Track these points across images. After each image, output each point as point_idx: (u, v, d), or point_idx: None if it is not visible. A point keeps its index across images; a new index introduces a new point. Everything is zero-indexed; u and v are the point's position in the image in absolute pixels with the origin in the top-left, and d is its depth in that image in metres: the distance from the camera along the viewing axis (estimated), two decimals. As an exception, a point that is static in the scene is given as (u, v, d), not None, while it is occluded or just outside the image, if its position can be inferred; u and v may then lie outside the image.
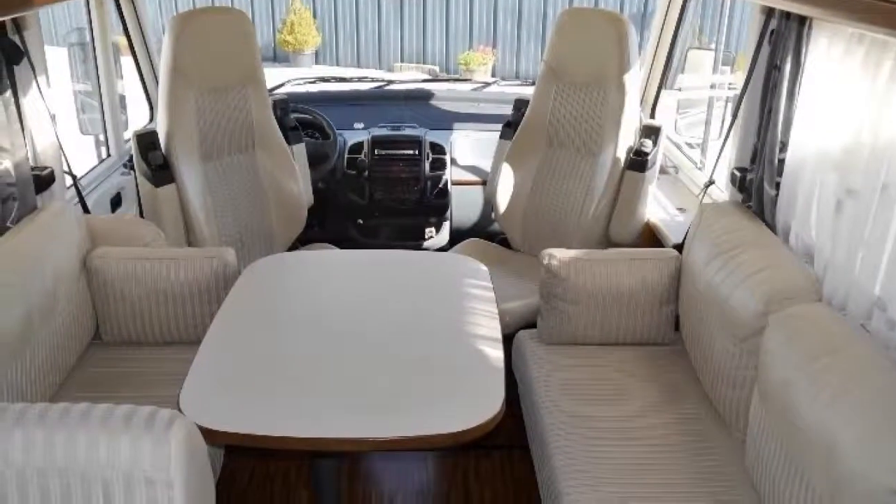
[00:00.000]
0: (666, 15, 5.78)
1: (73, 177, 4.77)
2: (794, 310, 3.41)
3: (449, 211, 6.40)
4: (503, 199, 5.74)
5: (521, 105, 5.87)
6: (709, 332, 3.95)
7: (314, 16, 22.41)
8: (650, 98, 6.08)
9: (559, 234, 5.54)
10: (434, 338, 3.73)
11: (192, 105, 5.20)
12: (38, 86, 4.25)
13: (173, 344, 4.45)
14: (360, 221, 6.41)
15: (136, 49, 5.81)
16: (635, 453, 3.68)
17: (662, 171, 5.70)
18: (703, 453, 3.68)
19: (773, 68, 4.03)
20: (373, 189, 6.26)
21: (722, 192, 4.81)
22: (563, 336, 4.51)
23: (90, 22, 5.40)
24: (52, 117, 4.42)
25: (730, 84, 6.26)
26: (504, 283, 5.11)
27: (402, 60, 22.55)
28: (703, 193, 4.92)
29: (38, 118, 4.28)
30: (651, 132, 5.30)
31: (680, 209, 5.44)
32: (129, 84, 5.95)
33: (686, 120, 6.20)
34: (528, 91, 6.09)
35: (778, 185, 4.01)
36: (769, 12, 4.11)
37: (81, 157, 5.39)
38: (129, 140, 5.58)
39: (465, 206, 6.47)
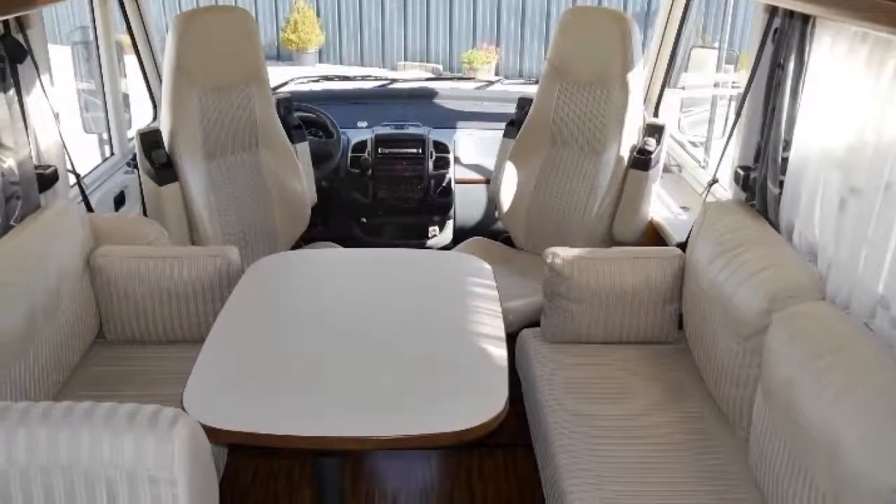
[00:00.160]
0: (669, 13, 5.78)
1: (77, 175, 4.77)
2: (798, 308, 3.41)
3: (452, 209, 6.41)
4: (507, 198, 5.74)
5: (524, 104, 5.87)
6: (712, 330, 3.95)
7: (318, 14, 22.40)
8: (654, 96, 6.08)
9: (563, 233, 5.54)
10: (437, 336, 3.73)
11: (196, 104, 5.20)
12: (42, 84, 4.25)
13: (177, 342, 4.45)
14: (364, 220, 6.41)
15: (140, 47, 5.82)
16: (639, 452, 3.68)
17: (666, 169, 5.70)
18: (707, 452, 3.68)
19: (777, 67, 4.03)
20: (376, 188, 6.26)
21: (725, 190, 4.81)
22: (567, 335, 4.51)
23: (93, 20, 5.41)
24: (56, 116, 4.42)
25: (733, 82, 6.28)
26: (507, 282, 5.11)
27: (405, 59, 22.55)
28: (706, 192, 4.92)
29: (42, 117, 4.28)
30: (654, 131, 5.30)
31: (683, 208, 5.43)
32: (133, 83, 5.95)
33: (689, 118, 6.20)
34: (531, 90, 6.08)
35: (781, 184, 4.01)
36: (773, 11, 4.11)
37: (85, 155, 5.40)
38: (132, 139, 5.58)
39: (468, 204, 6.47)
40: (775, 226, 4.09)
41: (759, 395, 3.46)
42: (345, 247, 5.67)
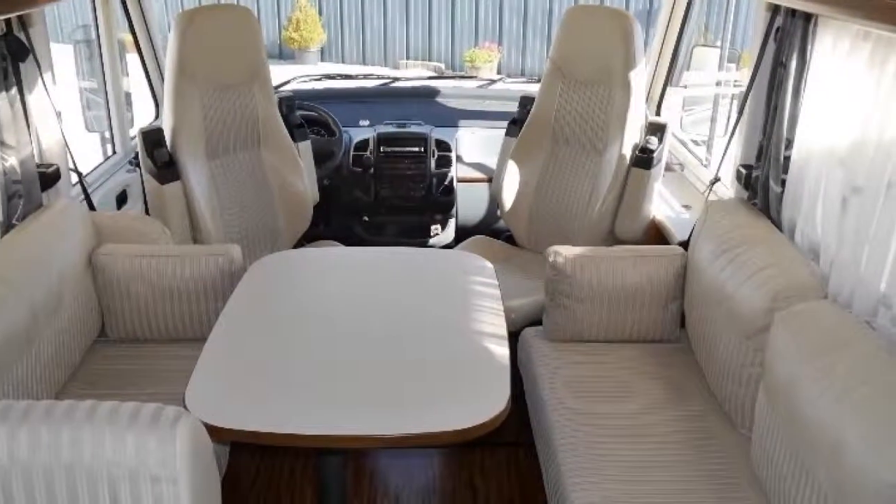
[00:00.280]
0: (671, 12, 5.78)
1: (79, 174, 4.77)
2: (800, 307, 3.41)
3: (454, 208, 6.40)
4: (509, 197, 5.74)
5: (526, 102, 5.87)
6: (714, 329, 3.95)
7: (320, 13, 22.41)
8: (656, 95, 6.08)
9: (565, 232, 5.55)
10: (440, 335, 3.73)
11: (198, 102, 5.20)
12: (44, 83, 4.25)
13: (179, 341, 4.45)
14: (366, 218, 6.41)
15: (142, 46, 5.82)
16: (641, 450, 3.68)
17: (668, 168, 5.70)
18: (709, 450, 3.68)
19: (779, 65, 4.03)
20: (378, 186, 6.25)
21: (727, 189, 4.81)
22: (569, 333, 4.51)
23: (96, 19, 5.41)
24: (58, 114, 4.42)
25: (735, 81, 6.28)
26: (509, 281, 5.11)
27: (407, 57, 22.55)
28: (708, 190, 4.92)
29: (44, 115, 4.29)
30: (657, 129, 5.30)
31: (685, 206, 5.43)
32: (135, 81, 5.96)
33: (692, 117, 6.20)
34: (533, 88, 6.08)
35: (783, 183, 4.01)
36: (775, 9, 4.11)
37: (87, 154, 5.40)
38: (134, 137, 5.58)
39: (470, 203, 6.47)
40: (777, 224, 4.09)
41: (760, 394, 3.46)
42: (347, 245, 5.68)
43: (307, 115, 6.24)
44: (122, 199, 5.44)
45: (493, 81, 7.78)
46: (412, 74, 12.60)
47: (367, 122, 6.65)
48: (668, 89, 6.04)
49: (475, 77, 11.59)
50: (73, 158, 4.63)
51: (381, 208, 6.34)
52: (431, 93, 7.15)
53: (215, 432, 2.95)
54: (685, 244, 4.56)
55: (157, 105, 6.07)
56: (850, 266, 3.40)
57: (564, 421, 3.87)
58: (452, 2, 21.76)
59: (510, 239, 5.98)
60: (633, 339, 4.52)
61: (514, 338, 4.34)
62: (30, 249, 3.85)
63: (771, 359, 3.34)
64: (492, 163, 6.18)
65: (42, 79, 4.23)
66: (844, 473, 2.71)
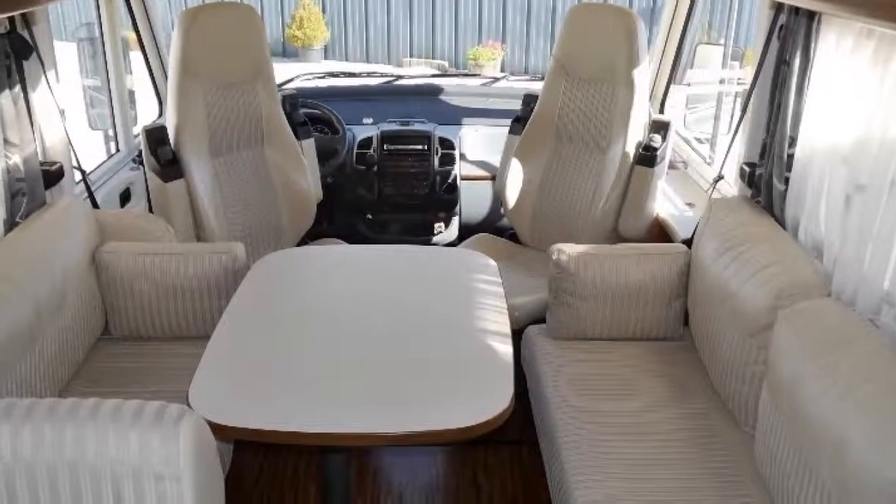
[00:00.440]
0: (675, 10, 5.78)
1: (83, 172, 4.77)
2: (804, 305, 3.41)
3: (458, 206, 6.40)
4: (512, 195, 5.75)
5: (530, 100, 5.87)
6: (718, 327, 3.95)
7: (323, 11, 22.42)
8: (659, 93, 6.08)
9: (568, 229, 5.54)
10: (443, 333, 3.73)
11: (202, 100, 5.21)
12: (48, 81, 4.26)
13: (182, 339, 4.46)
14: (369, 216, 6.41)
15: (146, 44, 5.82)
16: (644, 448, 3.68)
17: (671, 166, 5.69)
18: (712, 448, 3.68)
19: (783, 63, 4.03)
20: (382, 184, 6.25)
21: (731, 187, 4.81)
22: (572, 331, 4.51)
23: (99, 17, 5.41)
24: (62, 112, 4.42)
25: (739, 79, 6.27)
26: (513, 279, 5.11)
27: (411, 56, 22.55)
28: (712, 188, 4.91)
29: (47, 113, 4.29)
30: (660, 127, 5.29)
31: (689, 204, 5.43)
32: (138, 79, 5.96)
33: (695, 115, 6.20)
34: (537, 86, 6.07)
35: (787, 181, 4.01)
36: (778, 7, 4.10)
37: (90, 152, 5.40)
38: (138, 135, 5.58)
39: (474, 201, 6.47)
40: (781, 222, 4.09)
41: (764, 392, 3.46)
42: (350, 243, 5.67)
43: (311, 113, 6.24)
44: (125, 197, 5.44)
45: (496, 79, 7.77)
46: (416, 72, 12.59)
47: (370, 120, 6.64)
48: (672, 87, 6.04)
49: (479, 75, 11.63)
50: (76, 156, 4.63)
51: (385, 206, 6.34)
52: (435, 91, 7.15)
53: (219, 430, 2.95)
54: (689, 242, 4.56)
55: (160, 103, 6.07)
56: (853, 264, 3.39)
57: (568, 419, 3.87)
58: (456, 0, 21.77)
59: (514, 237, 5.98)
60: (636, 337, 4.52)
61: (517, 336, 4.34)
62: (33, 247, 3.85)
63: (774, 357, 3.34)
64: (495, 161, 6.18)
65: (45, 77, 4.24)
66: (848, 471, 2.71)
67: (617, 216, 5.41)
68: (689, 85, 6.17)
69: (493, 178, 6.28)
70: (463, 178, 6.36)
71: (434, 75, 9.54)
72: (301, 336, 3.69)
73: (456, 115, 6.81)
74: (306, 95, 6.46)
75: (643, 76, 5.31)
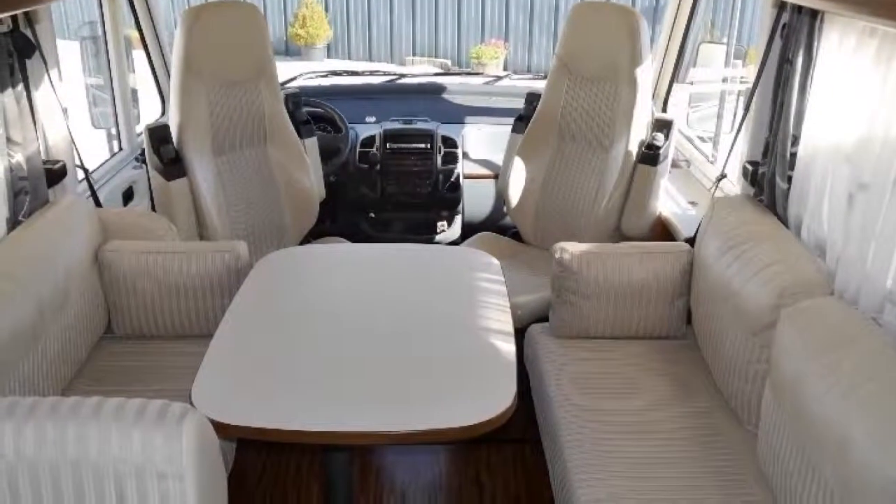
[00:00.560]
0: (678, 9, 5.78)
1: (85, 170, 4.77)
2: (806, 303, 3.41)
3: (461, 205, 6.41)
4: (515, 193, 5.74)
5: (532, 99, 5.87)
6: (721, 325, 3.95)
7: (326, 9, 22.45)
8: (662, 92, 6.08)
9: (571, 228, 5.54)
10: (446, 331, 3.73)
11: (204, 99, 5.21)
12: (50, 79, 4.26)
13: (185, 338, 4.46)
14: (372, 215, 6.42)
15: (148, 43, 5.82)
16: (647, 447, 3.68)
17: (674, 164, 5.69)
18: (715, 447, 3.68)
19: (785, 62, 4.03)
20: (385, 183, 6.26)
21: (734, 185, 4.80)
22: (575, 330, 4.51)
23: (102, 16, 5.41)
24: (64, 111, 4.43)
25: (741, 78, 6.26)
26: (516, 277, 5.10)
27: (413, 54, 22.57)
28: (714, 187, 4.91)
29: (50, 112, 4.29)
30: (663, 126, 5.29)
31: (692, 203, 5.42)
32: (141, 78, 5.96)
33: (698, 114, 6.20)
34: (539, 85, 6.07)
35: (790, 179, 4.01)
36: (781, 6, 4.10)
37: (93, 150, 5.40)
38: (140, 134, 5.59)
39: (476, 199, 6.47)
40: (783, 221, 4.09)
41: (767, 390, 3.46)
42: (353, 242, 5.67)
43: (313, 112, 6.24)
44: (128, 196, 5.44)
45: (499, 78, 7.76)
46: (418, 71, 12.60)
47: (373, 119, 6.64)
48: (675, 86, 6.04)
49: (481, 74, 11.59)
50: (79, 155, 4.64)
51: (388, 205, 6.35)
52: (438, 89, 7.15)
53: (221, 429, 2.95)
54: (691, 241, 4.55)
55: (163, 102, 6.08)
56: (856, 262, 3.39)
57: (571, 417, 3.88)
58: (459, -2, 21.83)
59: (516, 235, 5.98)
60: (639, 336, 4.52)
61: (520, 334, 4.34)
62: (36, 246, 3.86)
63: (777, 355, 3.34)
64: (498, 159, 6.18)
65: (48, 75, 4.24)
66: (851, 470, 2.71)
67: (620, 215, 5.41)
68: (691, 83, 6.17)
69: (495, 177, 6.28)
70: (466, 177, 6.37)
71: (437, 74, 9.52)
72: (304, 334, 3.69)
73: (459, 114, 6.81)
74: (309, 94, 6.46)
75: (646, 75, 5.31)
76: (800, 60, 3.87)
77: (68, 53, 5.08)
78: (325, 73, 7.55)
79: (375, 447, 4.87)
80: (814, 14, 3.77)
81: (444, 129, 6.41)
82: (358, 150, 6.30)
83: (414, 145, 6.26)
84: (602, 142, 5.49)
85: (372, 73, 8.08)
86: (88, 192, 4.78)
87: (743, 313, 3.72)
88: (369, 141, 6.32)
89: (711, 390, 4.08)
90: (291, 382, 3.33)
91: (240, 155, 5.48)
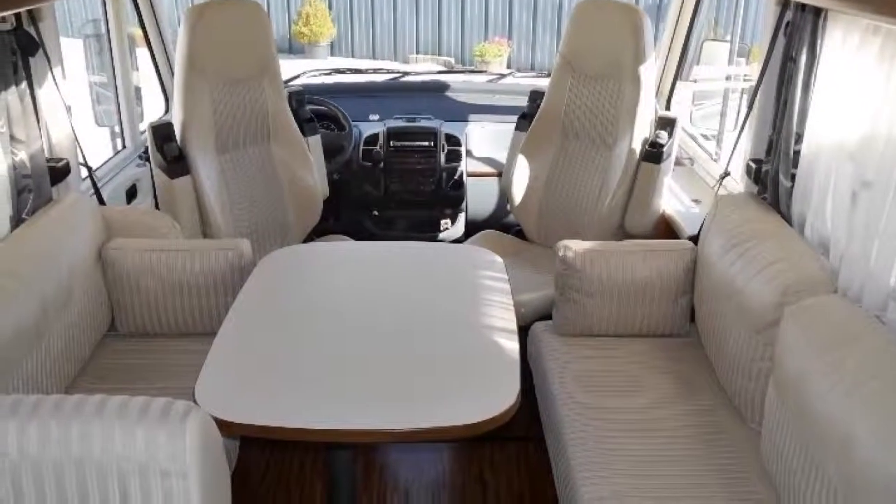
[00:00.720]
0: (681, 6, 5.78)
1: (89, 168, 4.78)
2: (810, 301, 3.40)
3: (464, 202, 6.42)
4: (518, 191, 5.74)
5: (536, 97, 5.87)
6: (724, 323, 3.95)
7: (329, 7, 22.43)
8: (665, 89, 6.07)
9: (574, 226, 5.54)
10: (449, 329, 3.73)
11: (208, 97, 5.21)
12: (54, 77, 4.26)
13: (188, 335, 4.46)
14: (376, 213, 6.42)
15: (152, 40, 5.83)
16: (650, 445, 3.68)
17: (678, 162, 5.69)
18: (718, 445, 3.68)
19: (789, 60, 4.03)
20: (388, 181, 6.26)
21: (737, 183, 4.80)
22: (579, 327, 4.51)
23: (105, 13, 5.41)
24: (68, 109, 4.43)
25: (745, 76, 6.26)
26: (519, 275, 5.11)
27: (417, 52, 22.56)
28: (718, 185, 4.91)
29: (54, 109, 4.30)
30: (666, 124, 5.29)
31: (695, 201, 5.42)
32: (145, 76, 5.96)
33: (701, 111, 6.20)
34: (543, 83, 6.07)
35: (793, 177, 4.01)
36: (784, 4, 4.10)
37: (97, 148, 5.41)
38: (144, 132, 5.59)
39: (480, 197, 6.48)
40: (787, 219, 4.09)
41: (770, 388, 3.46)
42: (356, 240, 5.69)
43: (317, 110, 6.25)
44: (131, 194, 5.45)
45: (502, 76, 7.77)
46: (422, 69, 12.62)
47: (376, 117, 6.65)
48: (678, 84, 6.04)
49: (485, 72, 11.58)
50: (82, 153, 4.64)
51: (391, 203, 6.35)
52: (441, 87, 7.16)
53: (225, 426, 2.96)
54: (695, 239, 4.55)
55: (166, 100, 6.08)
56: (859, 260, 3.39)
57: (574, 415, 3.88)
58: (462, -4, 21.83)
59: (520, 233, 5.98)
60: (642, 334, 4.52)
61: (523, 332, 4.34)
62: (40, 244, 3.86)
63: (781, 353, 3.34)
64: (501, 157, 6.18)
65: (52, 73, 4.24)
66: (854, 468, 2.71)
67: (623, 213, 5.41)
68: (695, 81, 6.17)
69: (499, 175, 6.29)
70: (469, 175, 6.37)
71: (440, 72, 9.51)
72: (307, 332, 3.69)
73: (462, 112, 6.81)
74: (312, 92, 6.47)
75: (649, 73, 5.31)
76: (803, 58, 3.86)
77: (72, 51, 5.08)
78: (328, 71, 7.54)
79: (379, 445, 4.88)
80: (817, 12, 3.76)
81: (447, 127, 6.42)
82: (361, 147, 6.31)
83: (417, 143, 6.27)
84: (605, 140, 5.49)
85: (375, 70, 8.10)
86: (92, 190, 4.79)
87: (746, 311, 3.72)
88: (373, 139, 6.33)
89: (715, 388, 4.07)
90: (295, 380, 3.33)
91: (243, 153, 5.48)
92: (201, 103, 5.17)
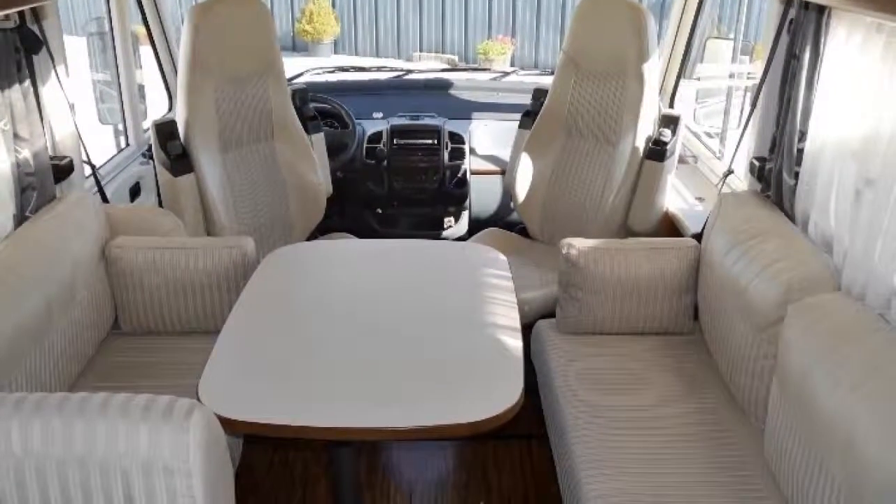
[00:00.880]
0: (685, 4, 5.77)
1: (92, 166, 4.78)
2: (813, 299, 3.40)
3: (468, 200, 6.41)
4: (522, 189, 5.74)
5: (540, 95, 5.87)
6: (728, 321, 3.95)
7: (333, 5, 22.45)
8: (669, 87, 6.07)
9: (578, 224, 5.54)
10: (453, 327, 3.73)
11: (211, 95, 5.21)
12: (57, 75, 4.26)
13: (192, 333, 4.47)
14: (379, 211, 6.43)
15: (155, 39, 5.83)
16: (654, 443, 3.68)
17: (681, 160, 5.70)
18: (722, 443, 3.68)
19: (792, 58, 4.02)
20: (392, 178, 6.26)
21: (741, 181, 4.80)
22: (582, 325, 4.51)
23: (109, 11, 5.41)
24: (71, 107, 4.43)
25: (748, 74, 6.26)
26: (523, 273, 5.12)
27: (420, 50, 22.58)
28: (721, 183, 4.91)
29: (57, 108, 4.30)
30: (670, 122, 5.30)
31: (699, 199, 5.42)
32: (148, 73, 5.96)
33: (705, 109, 6.21)
34: (546, 80, 6.08)
35: (797, 175, 4.00)
36: (788, 2, 4.10)
37: (100, 146, 5.41)
38: (147, 130, 5.59)
39: (484, 195, 6.48)
40: (791, 217, 4.08)
41: (774, 386, 3.46)
42: (360, 238, 5.68)
43: (320, 108, 6.25)
44: (135, 192, 5.45)
45: (506, 74, 7.77)
46: (425, 67, 12.61)
47: (380, 115, 6.65)
48: (682, 81, 6.04)
49: (488, 69, 11.58)
50: (86, 151, 4.64)
51: (395, 200, 6.35)
52: (445, 85, 7.16)
53: (229, 424, 2.96)
54: (698, 237, 4.55)
55: (170, 97, 6.08)
56: (863, 258, 3.39)
57: (578, 413, 3.88)
58: (466, -6, 21.83)
59: (523, 231, 5.98)
60: (646, 332, 4.52)
61: (527, 330, 4.34)
62: (43, 242, 3.86)
63: (784, 351, 3.34)
64: (505, 155, 6.18)
65: (55, 71, 4.24)
66: (858, 465, 2.71)
67: (627, 210, 5.41)
68: (698, 79, 6.17)
69: (502, 173, 6.29)
70: (473, 173, 6.37)
71: (444, 70, 9.52)
72: (310, 330, 3.69)
73: (466, 110, 6.81)
74: (316, 90, 6.47)
75: (653, 70, 5.31)
76: (807, 56, 3.86)
77: (75, 49, 5.08)
78: (332, 69, 7.55)
79: (383, 443, 4.88)
80: (821, 10, 3.76)
81: (451, 125, 6.42)
82: (365, 145, 6.32)
83: (421, 141, 6.27)
84: (609, 137, 5.49)
85: (379, 68, 8.10)
86: (95, 188, 4.79)
87: (750, 309, 3.72)
88: (376, 137, 6.34)
89: (718, 386, 4.07)
90: (298, 378, 3.34)
91: (247, 151, 5.49)
92: (205, 101, 5.18)
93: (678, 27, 5.88)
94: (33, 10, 4.05)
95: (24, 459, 2.36)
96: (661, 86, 6.03)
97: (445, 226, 6.45)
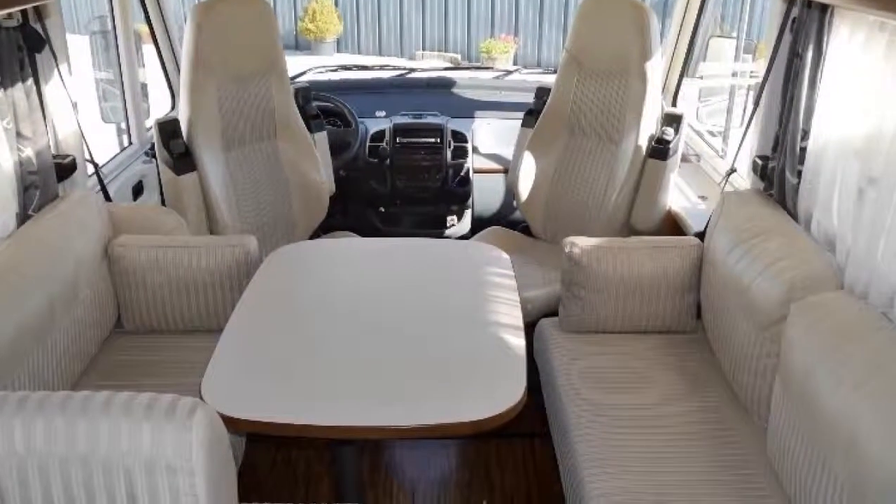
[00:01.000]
0: (687, 3, 5.76)
1: (95, 165, 4.78)
2: (816, 298, 3.40)
3: (471, 199, 6.41)
4: (525, 187, 5.74)
5: (542, 93, 5.87)
6: (730, 320, 3.95)
7: (336, 4, 22.44)
8: (672, 86, 6.06)
9: (581, 222, 5.54)
10: (455, 326, 3.73)
11: (214, 93, 5.21)
12: (60, 74, 4.26)
13: (195, 332, 4.47)
14: (382, 209, 6.42)
15: (158, 37, 5.83)
16: (657, 441, 3.68)
17: (684, 159, 5.69)
18: (725, 441, 3.68)
19: (795, 56, 4.02)
20: (394, 177, 6.26)
21: (744, 180, 4.80)
22: (585, 324, 4.51)
23: (112, 10, 5.41)
24: (74, 105, 4.43)
25: (751, 72, 6.26)
26: (526, 271, 5.12)
27: (423, 48, 22.57)
28: (724, 182, 4.90)
29: (60, 106, 4.30)
30: (673, 120, 5.29)
31: (701, 197, 5.42)
32: (151, 72, 5.97)
33: (708, 108, 6.20)
34: (549, 79, 6.07)
35: (800, 174, 4.00)
36: (791, 0, 4.10)
37: (103, 145, 5.41)
38: (150, 128, 5.59)
39: (486, 194, 6.48)
40: (793, 215, 4.08)
41: (777, 385, 3.46)
42: (363, 236, 5.68)
43: (323, 106, 6.25)
44: (138, 190, 5.45)
45: (509, 72, 7.78)
46: (428, 65, 12.61)
47: (383, 113, 6.65)
48: (684, 80, 6.03)
49: (491, 68, 11.61)
50: (89, 149, 4.64)
51: (398, 199, 6.35)
52: (447, 84, 7.16)
53: (231, 423, 2.96)
54: (701, 235, 4.55)
55: (173, 96, 6.08)
56: (866, 257, 3.39)
57: (580, 412, 3.88)
58: (468, -7, 21.82)
59: (526, 230, 5.98)
60: (648, 330, 4.52)
61: (530, 329, 4.34)
62: (46, 240, 3.86)
63: (787, 350, 3.34)
64: (508, 154, 6.17)
65: (58, 70, 4.25)
66: (861, 464, 2.71)
67: (629, 209, 5.41)
68: (701, 78, 6.17)
69: (505, 171, 6.29)
70: (475, 171, 6.37)
71: (447, 68, 9.55)
72: (313, 329, 3.69)
73: (468, 108, 6.81)
74: (319, 88, 6.47)
75: (656, 69, 5.30)
76: (809, 55, 3.86)
77: (78, 48, 5.08)
78: (334, 68, 7.54)
79: (385, 442, 4.88)
80: (823, 8, 3.76)
81: (453, 124, 6.42)
82: (368, 144, 6.32)
83: (424, 140, 6.27)
84: (612, 136, 5.48)
85: (382, 67, 8.09)
86: (98, 187, 4.79)
87: (753, 308, 3.72)
88: (379, 135, 6.33)
89: (721, 385, 4.07)
90: (301, 376, 3.34)
91: (250, 149, 5.48)
92: (207, 100, 5.18)
93: (681, 25, 5.88)
94: (36, 8, 4.05)
95: (27, 458, 2.36)
96: (664, 84, 6.03)
97: (448, 224, 6.44)
